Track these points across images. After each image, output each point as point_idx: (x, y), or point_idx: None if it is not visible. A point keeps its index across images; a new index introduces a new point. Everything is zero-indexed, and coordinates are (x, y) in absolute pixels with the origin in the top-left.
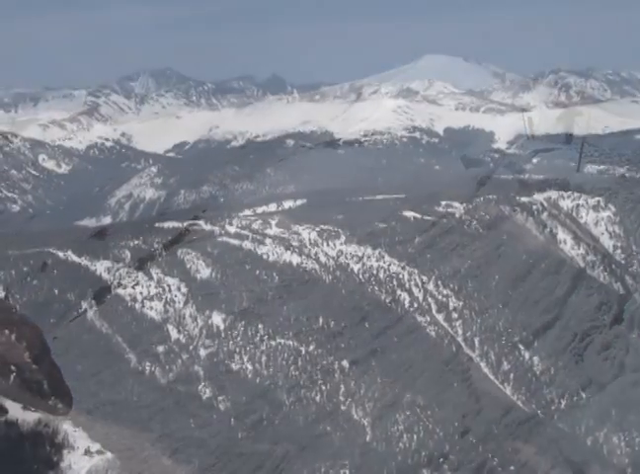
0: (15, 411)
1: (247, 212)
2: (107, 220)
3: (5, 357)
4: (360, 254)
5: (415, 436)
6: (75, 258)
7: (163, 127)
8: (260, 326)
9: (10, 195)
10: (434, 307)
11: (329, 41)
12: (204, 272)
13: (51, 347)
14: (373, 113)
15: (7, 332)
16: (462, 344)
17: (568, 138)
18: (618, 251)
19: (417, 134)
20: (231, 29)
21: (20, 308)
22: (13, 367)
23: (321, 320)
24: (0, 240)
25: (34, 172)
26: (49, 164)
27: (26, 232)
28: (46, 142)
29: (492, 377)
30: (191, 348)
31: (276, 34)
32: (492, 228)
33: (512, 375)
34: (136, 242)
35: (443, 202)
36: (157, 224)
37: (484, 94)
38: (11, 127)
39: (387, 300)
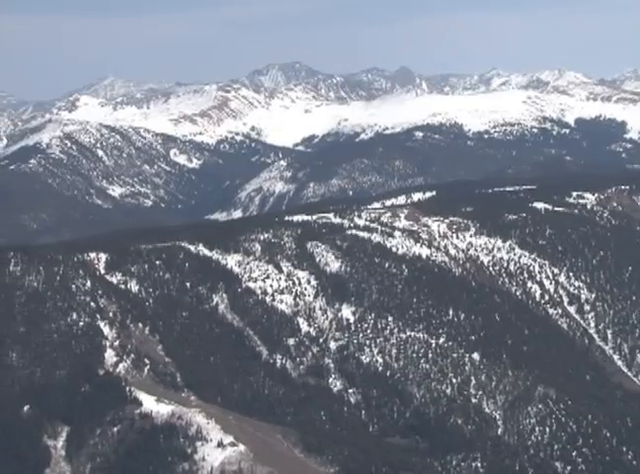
0: (149, 403)
1: (376, 205)
2: (237, 214)
3: (139, 350)
4: (490, 246)
5: (547, 429)
6: (206, 251)
7: (292, 121)
8: (390, 319)
9: (143, 189)
10: (565, 299)
11: (458, 32)
12: (334, 265)
13: (184, 340)
14: (503, 104)
15: (140, 325)
16: (595, 336)
17: None
18: None
19: (547, 125)
20: (360, 21)
21: (152, 302)
22: (147, 360)
23: (451, 312)
24: (133, 234)
25: (165, 167)
26: (181, 159)
27: (158, 226)
28: (178, 137)
29: (625, 370)
30: (321, 340)
31: (404, 25)
32: (624, 219)
33: None
34: (266, 235)
35: (575, 193)
36: (287, 217)
37: (616, 83)
38: (143, 123)
39: (518, 293)
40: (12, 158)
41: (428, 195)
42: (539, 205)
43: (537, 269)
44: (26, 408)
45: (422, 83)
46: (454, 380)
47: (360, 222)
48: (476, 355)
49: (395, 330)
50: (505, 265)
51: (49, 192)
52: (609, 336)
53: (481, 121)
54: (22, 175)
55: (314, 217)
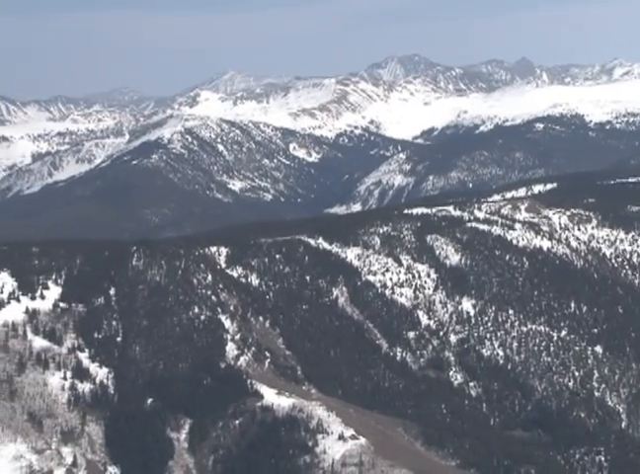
0: (270, 396)
1: (496, 197)
2: (356, 207)
3: (260, 344)
4: (612, 238)
5: None
6: (326, 245)
7: (411, 114)
8: (510, 311)
9: (262, 183)
10: None
11: (579, 22)
12: (454, 257)
13: (304, 333)
14: (625, 94)
15: (261, 318)
16: None
17: None
18: None
19: None
20: (479, 12)
21: (273, 295)
22: (267, 353)
23: (573, 305)
24: (253, 228)
25: (285, 161)
26: (300, 152)
27: (278, 220)
28: (297, 131)
29: None
30: (441, 333)
31: (524, 16)
32: None
33: None
34: (386, 229)
35: None
36: (406, 211)
37: None
38: (263, 117)
39: None
40: (134, 153)
41: (548, 186)
42: None
43: None
44: (149, 401)
45: (542, 74)
46: (577, 373)
47: (480, 215)
48: (599, 348)
49: (516, 323)
50: (627, 256)
51: (171, 186)
52: None
53: (603, 112)
54: (144, 170)
55: (434, 210)
